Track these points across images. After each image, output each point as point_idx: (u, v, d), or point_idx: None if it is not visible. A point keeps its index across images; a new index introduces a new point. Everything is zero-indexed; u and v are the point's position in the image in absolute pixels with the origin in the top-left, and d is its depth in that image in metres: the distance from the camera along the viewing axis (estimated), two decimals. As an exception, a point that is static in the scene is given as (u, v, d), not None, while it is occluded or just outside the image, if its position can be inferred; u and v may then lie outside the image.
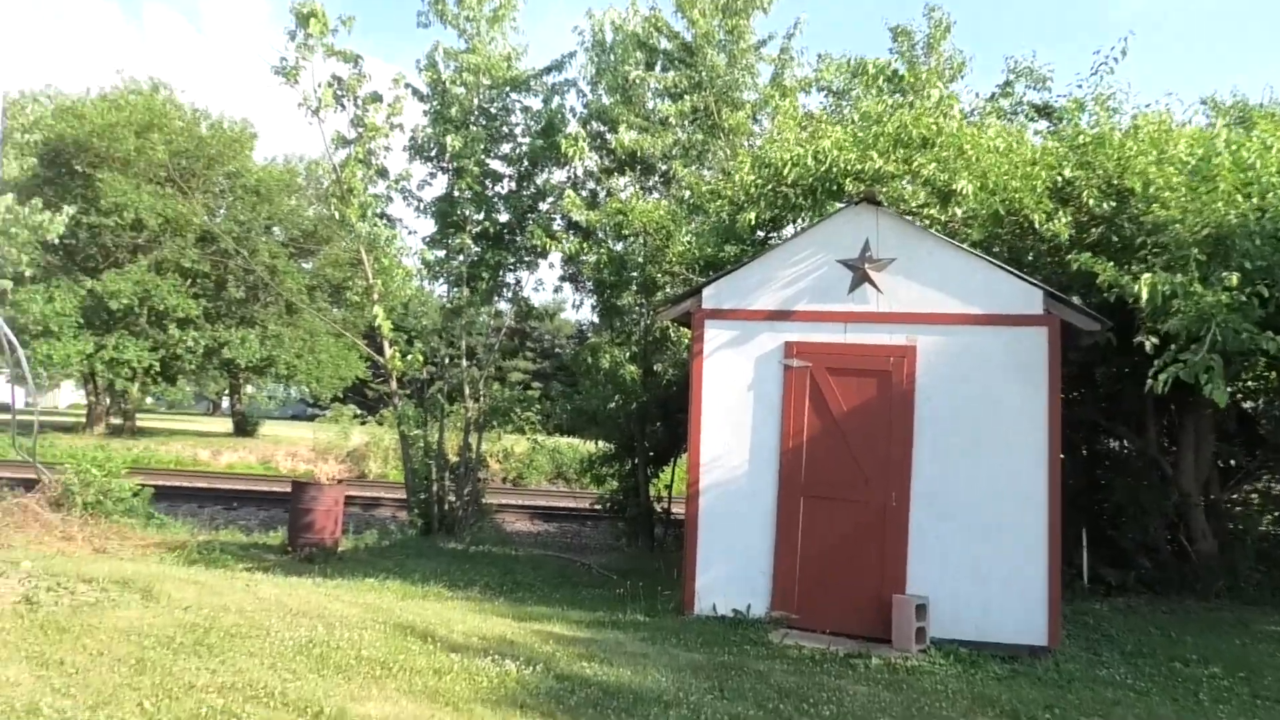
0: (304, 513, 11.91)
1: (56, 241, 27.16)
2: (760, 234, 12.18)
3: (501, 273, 16.64)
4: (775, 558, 8.65)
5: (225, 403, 53.54)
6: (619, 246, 15.19)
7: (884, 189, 9.97)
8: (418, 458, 15.67)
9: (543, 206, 16.70)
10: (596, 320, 17.79)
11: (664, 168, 16.22)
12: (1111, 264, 8.35)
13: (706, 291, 9.15)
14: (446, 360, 16.39)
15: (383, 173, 16.14)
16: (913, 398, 8.48)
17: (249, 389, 51.78)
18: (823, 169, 10.02)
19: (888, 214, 8.81)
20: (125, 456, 31.43)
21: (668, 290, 13.88)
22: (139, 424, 43.72)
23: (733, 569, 8.76)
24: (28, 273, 17.90)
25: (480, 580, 10.29)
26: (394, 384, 15.79)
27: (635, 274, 14.30)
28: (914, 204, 10.39)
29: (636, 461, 15.98)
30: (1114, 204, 9.59)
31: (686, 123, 15.36)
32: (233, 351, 36.10)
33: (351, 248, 16.07)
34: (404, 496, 17.23)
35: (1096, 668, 7.76)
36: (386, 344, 15.57)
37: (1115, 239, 9.48)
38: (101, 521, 13.11)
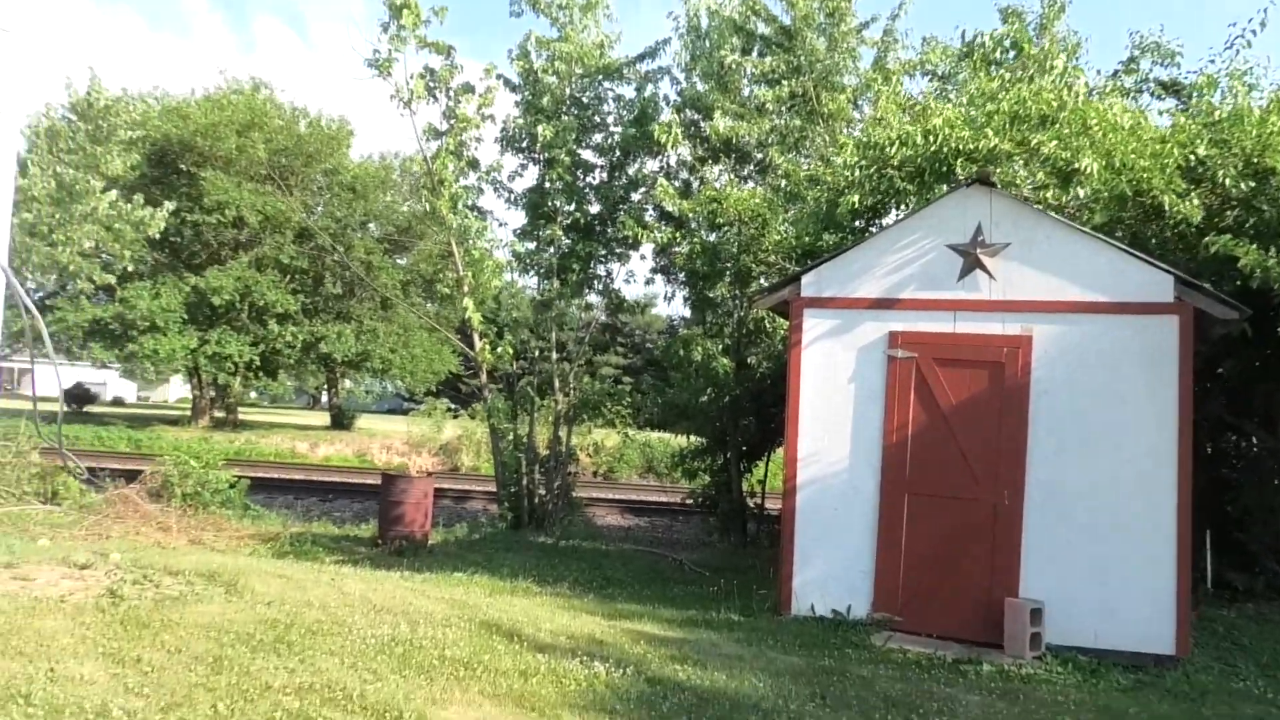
0: (394, 505, 11.88)
1: (158, 238, 27.98)
2: (859, 222, 11.70)
3: (592, 265, 16.46)
4: (877, 557, 8.24)
5: (325, 397, 54.68)
6: (712, 237, 14.84)
7: (998, 170, 9.43)
8: (508, 451, 15.58)
9: (634, 197, 16.46)
10: (688, 313, 17.49)
11: (759, 156, 15.82)
12: (1254, 246, 7.71)
13: (806, 279, 8.78)
14: (537, 353, 16.29)
15: (474, 164, 16.11)
16: (1028, 391, 7.98)
17: (346, 383, 52.96)
18: (932, 148, 9.52)
19: (1002, 196, 8.31)
20: (226, 449, 32.75)
21: (762, 281, 13.49)
22: (241, 417, 45.00)
23: (832, 568, 8.39)
24: (130, 268, 18.38)
25: (569, 576, 10.08)
26: (484, 377, 15.73)
27: (729, 264, 13.94)
28: (1030, 186, 9.82)
29: (729, 456, 15.64)
30: (1252, 184, 8.90)
31: (784, 109, 14.92)
32: (329, 346, 36.86)
33: (442, 240, 16.07)
34: (494, 490, 17.23)
35: (1231, 680, 7.18)
36: (477, 337, 15.52)
37: (1253, 221, 8.79)
38: (199, 512, 13.40)
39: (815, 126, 14.64)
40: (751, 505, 15.79)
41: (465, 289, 15.54)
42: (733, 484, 15.55)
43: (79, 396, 46.42)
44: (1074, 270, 7.92)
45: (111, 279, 17.12)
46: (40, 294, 36.86)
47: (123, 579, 6.43)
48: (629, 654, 6.11)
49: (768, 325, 14.40)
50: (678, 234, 15.01)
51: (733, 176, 15.67)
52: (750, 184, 15.79)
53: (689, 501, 17.60)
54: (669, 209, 14.95)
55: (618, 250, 16.59)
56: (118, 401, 72.48)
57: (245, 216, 35.20)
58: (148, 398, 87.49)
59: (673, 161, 16.47)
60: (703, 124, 15.90)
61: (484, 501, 20.69)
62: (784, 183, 14.08)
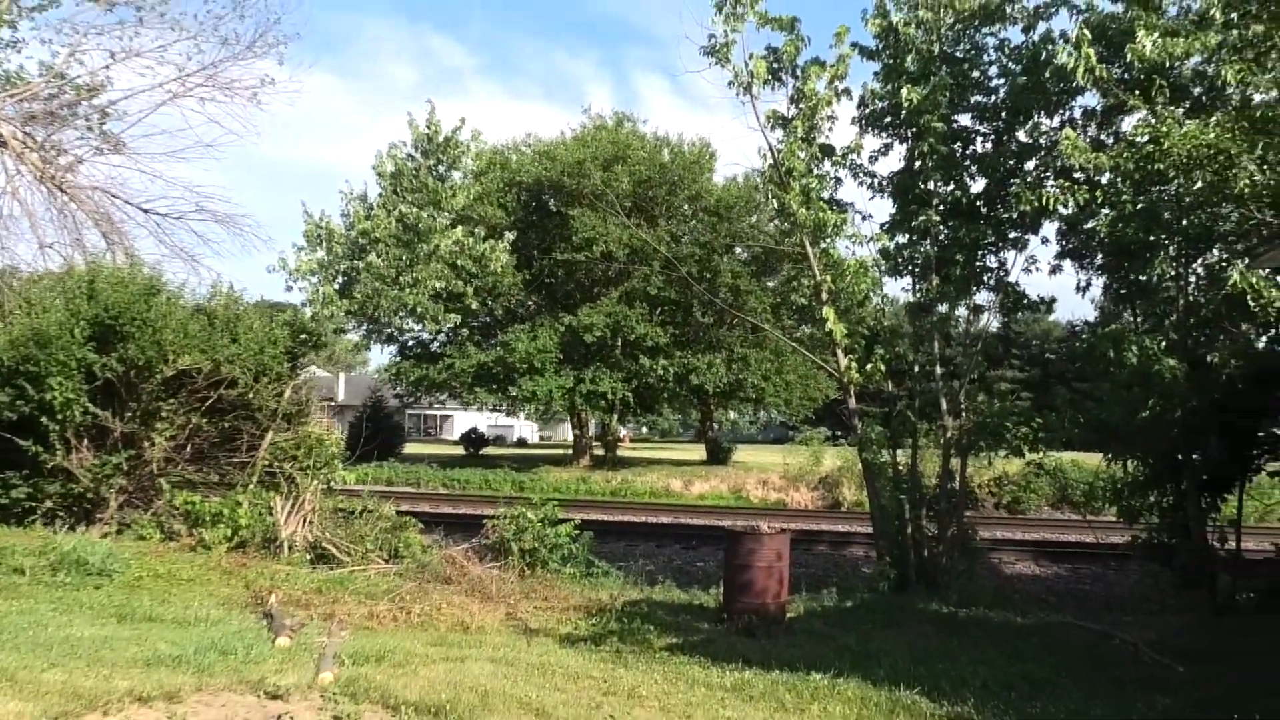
0: (740, 570, 9.79)
1: (530, 279, 28.41)
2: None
3: (979, 255, 13.64)
4: None
5: (714, 427, 54.65)
6: (1140, 200, 11.46)
7: None
8: (885, 491, 13.09)
9: (1028, 165, 13.42)
10: (1110, 304, 14.01)
11: (1197, 90, 12.15)
12: None
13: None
14: (915, 369, 13.67)
15: (827, 150, 14.03)
16: None
17: (732, 415, 52.51)
18: None
19: None
20: (603, 488, 32.88)
21: (1224, 245, 9.97)
22: (623, 453, 45.84)
23: None
24: (473, 304, 18.14)
25: (975, 677, 7.25)
26: (852, 400, 13.42)
27: (1172, 228, 10.53)
28: None
29: (1183, 488, 12.04)
30: None
31: (1235, 16, 11.24)
32: (700, 378, 36.11)
33: (794, 242, 14.01)
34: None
35: None
36: (840, 352, 13.29)
37: None
38: (536, 571, 12.36)
39: (1289, 31, 10.81)
40: (1221, 551, 12.04)
41: (824, 296, 13.43)
42: (1191, 524, 11.93)
43: (474, 440, 49.77)
44: None
45: (455, 319, 16.80)
46: (413, 340, 39.70)
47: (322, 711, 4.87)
48: None
49: (1250, 302, 10.38)
50: (1096, 196, 11.77)
51: (1167, 118, 12.13)
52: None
53: (1123, 540, 14.03)
54: (1079, 168, 11.79)
55: (1010, 234, 13.62)
56: (521, 443, 78.27)
57: (613, 251, 35.46)
58: (549, 437, 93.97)
59: (1077, 114, 13.26)
60: (1114, 68, 12.50)
61: (866, 547, 18.23)
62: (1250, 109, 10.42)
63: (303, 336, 15.05)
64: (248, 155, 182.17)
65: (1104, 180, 12.01)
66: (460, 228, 16.28)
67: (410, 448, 50.82)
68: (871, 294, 13.52)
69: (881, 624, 9.88)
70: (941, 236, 13.61)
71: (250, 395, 14.07)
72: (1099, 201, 11.75)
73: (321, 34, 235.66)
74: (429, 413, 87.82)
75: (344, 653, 6.63)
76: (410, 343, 40.93)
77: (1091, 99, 13.12)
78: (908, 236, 13.82)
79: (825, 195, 13.81)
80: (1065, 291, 55.81)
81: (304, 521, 13.42)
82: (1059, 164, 12.73)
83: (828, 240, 13.48)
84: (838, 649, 8.38)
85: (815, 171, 13.77)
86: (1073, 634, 9.67)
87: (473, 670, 6.34)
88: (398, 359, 40.44)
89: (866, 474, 13.61)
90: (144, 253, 17.29)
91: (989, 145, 13.76)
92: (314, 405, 16.29)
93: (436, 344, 40.16)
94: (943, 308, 13.80)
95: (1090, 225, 12.55)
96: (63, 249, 16.53)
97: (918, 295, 13.85)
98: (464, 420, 64.56)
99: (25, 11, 17.04)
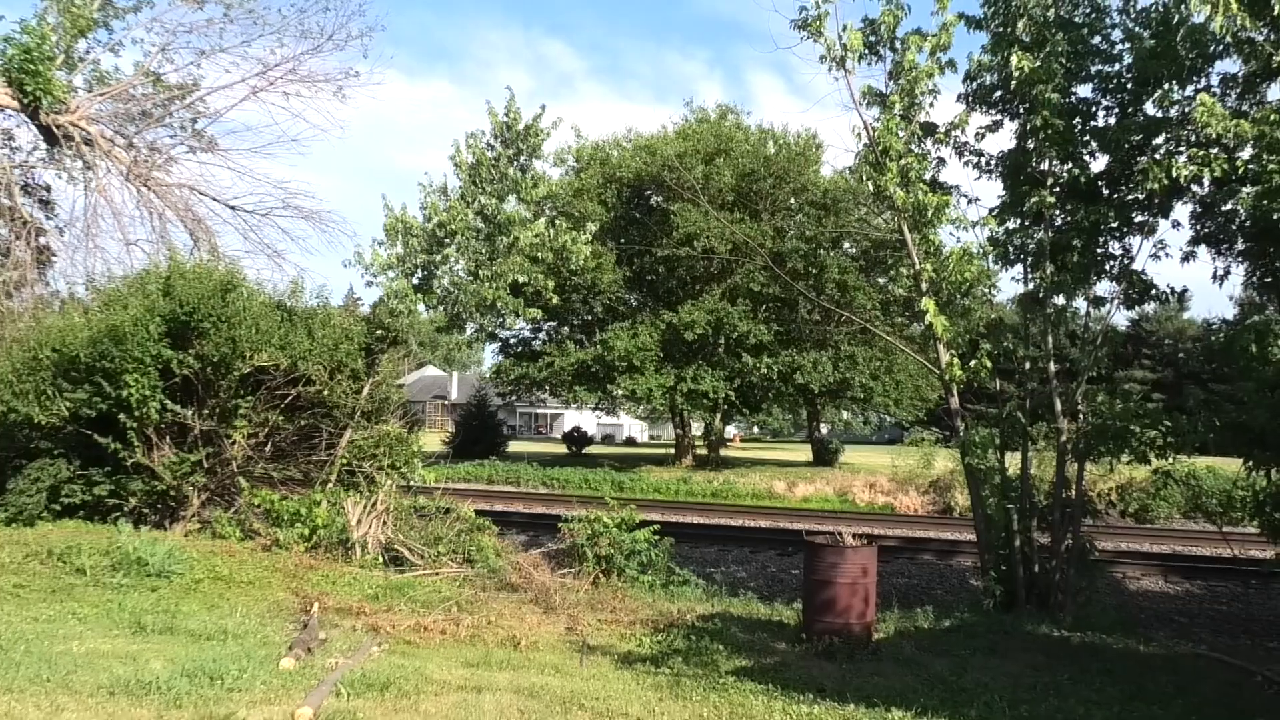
0: (820, 586, 8.85)
1: (631, 277, 27.85)
2: None
3: (1100, 240, 12.34)
4: None
5: (824, 428, 53.16)
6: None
7: None
8: (991, 500, 11.94)
9: (1156, 141, 12.06)
10: (1252, 295, 12.56)
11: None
12: None
13: None
14: (1026, 366, 12.47)
15: (928, 128, 12.97)
16: None
17: (843, 414, 51.08)
18: None
19: None
20: (704, 489, 32.13)
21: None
22: (728, 453, 44.92)
23: None
24: (554, 299, 17.54)
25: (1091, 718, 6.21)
26: (954, 400, 12.30)
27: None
28: None
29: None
30: None
31: None
32: (805, 376, 34.92)
33: (889, 226, 12.96)
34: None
35: None
36: (942, 348, 12.19)
37: None
38: (611, 579, 11.79)
39: None
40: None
41: (924, 286, 12.33)
42: (1349, 544, 10.46)
43: (577, 439, 49.48)
44: None
45: (538, 313, 16.20)
46: (515, 339, 39.54)
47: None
48: None
49: None
50: (1236, 167, 10.41)
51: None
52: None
53: (1269, 557, 12.54)
54: (1215, 139, 10.45)
55: (1136, 217, 12.28)
56: (630, 442, 78.07)
57: (714, 246, 34.59)
58: (659, 437, 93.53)
59: (1214, 82, 11.86)
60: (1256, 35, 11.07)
61: (975, 556, 16.95)
62: None
63: (379, 332, 14.66)
64: (369, 162, 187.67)
65: (1245, 155, 10.65)
66: (542, 219, 15.65)
67: (519, 446, 50.96)
68: (977, 284, 12.38)
69: (982, 649, 8.83)
70: (1057, 220, 12.40)
71: (326, 393, 13.76)
72: (1240, 176, 10.39)
73: (436, 43, 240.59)
74: (540, 411, 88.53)
75: (354, 677, 5.98)
76: (512, 340, 40.89)
77: (1232, 65, 11.73)
78: (1019, 221, 12.62)
79: (926, 177, 12.73)
80: (1200, 287, 52.32)
81: (379, 522, 13.04)
82: (1192, 137, 11.38)
83: (928, 225, 12.40)
84: (928, 680, 7.38)
85: (915, 151, 12.72)
86: (1206, 668, 8.41)
87: (483, 706, 5.59)
88: (499, 357, 40.48)
89: (970, 480, 12.46)
90: (229, 249, 17.26)
91: (1111, 119, 12.45)
92: (395, 403, 15.97)
93: (538, 342, 39.98)
94: (1058, 299, 12.56)
95: (1229, 206, 11.18)
96: (149, 246, 16.58)
97: (1030, 286, 12.63)
98: (574, 420, 64.77)
99: (119, 12, 17.17)
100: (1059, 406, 12.04)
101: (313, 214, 17.54)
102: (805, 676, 7.34)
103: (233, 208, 17.36)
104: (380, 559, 12.29)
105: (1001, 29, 12.44)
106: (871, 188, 12.87)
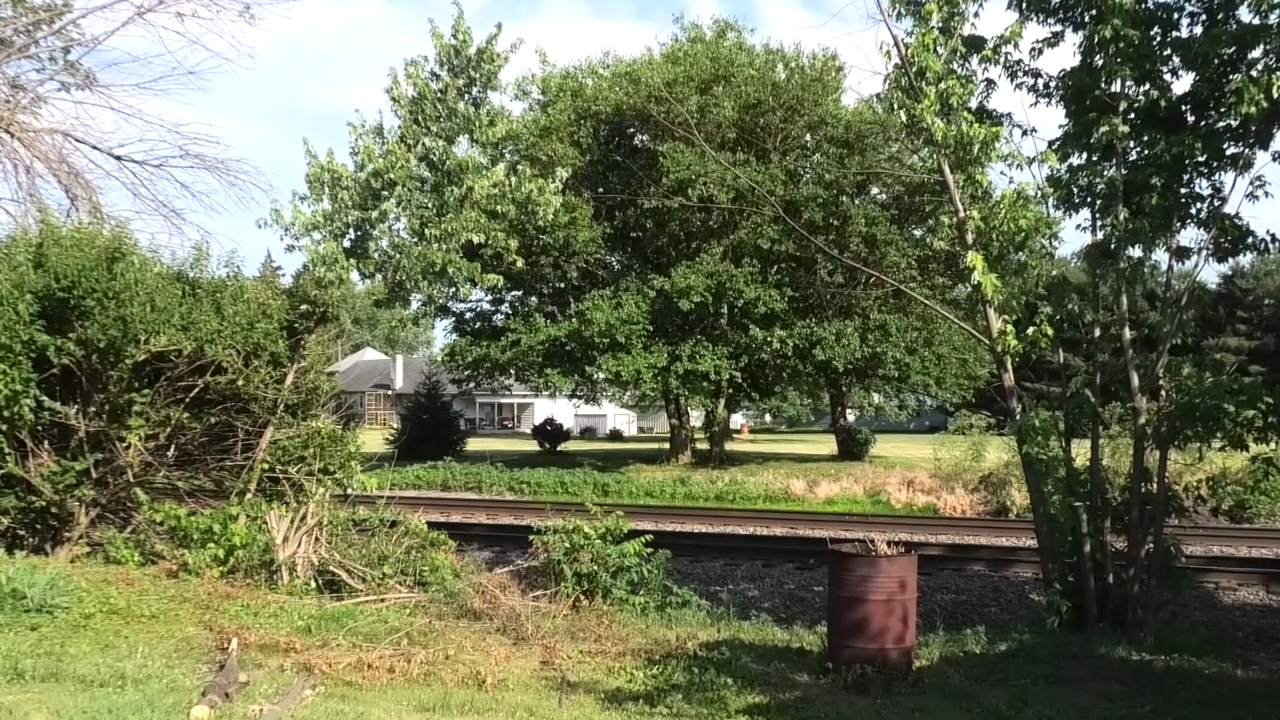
0: (848, 605, 8.96)
1: (613, 234, 27.86)
2: None
3: (1185, 178, 12.46)
4: None
5: (851, 414, 53.35)
6: None
7: None
8: (1056, 495, 12.09)
9: (1254, 54, 12.15)
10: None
11: None
12: None
13: None
14: (1095, 334, 12.59)
15: (973, 43, 12.97)
16: None
17: (875, 397, 51.29)
18: None
19: None
20: (706, 491, 32.35)
21: None
22: (734, 447, 45.11)
23: None
24: (518, 263, 17.59)
25: None
26: (1008, 376, 12.42)
27: None
28: None
29: None
30: None
31: None
32: (827, 351, 34.99)
33: (926, 165, 13.02)
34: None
35: None
36: (992, 313, 12.30)
37: None
38: (594, 600, 12.00)
39: None
40: None
41: (970, 238, 12.42)
42: None
43: (550, 433, 49.52)
44: None
45: (498, 280, 16.21)
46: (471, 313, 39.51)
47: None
48: None
49: None
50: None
51: None
52: None
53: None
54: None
55: (1228, 149, 12.37)
56: (614, 435, 78.31)
57: (714, 195, 34.54)
58: (650, 429, 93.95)
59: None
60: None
61: (1035, 566, 17.17)
62: None
63: (304, 308, 14.65)
64: (287, 100, 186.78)
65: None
66: (501, 165, 15.63)
67: (480, 443, 51.10)
68: (1034, 234, 12.49)
69: (1045, 678, 9.04)
70: (1132, 155, 12.52)
71: (240, 382, 13.75)
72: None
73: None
74: (504, 401, 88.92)
75: (279, 730, 6.03)
76: (468, 315, 40.88)
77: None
78: (1085, 156, 12.76)
79: (971, 103, 12.84)
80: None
81: (310, 539, 13.11)
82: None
83: (974, 163, 12.47)
84: (980, 716, 7.59)
85: (957, 72, 12.76)
86: (1319, 697, 8.57)
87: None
88: (453, 336, 40.43)
89: (1028, 473, 12.65)
90: (115, 209, 17.18)
91: (1198, 28, 12.54)
92: (327, 394, 16.04)
93: (499, 316, 40.03)
94: (1134, 251, 12.68)
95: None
96: (14, 207, 16.51)
97: (1099, 235, 12.74)
98: (546, 410, 64.87)
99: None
100: (1136, 382, 12.19)
101: (218, 164, 17.42)
102: (833, 714, 7.51)
103: (118, 158, 17.26)
104: (313, 584, 12.43)
105: (1060, -80, 12.52)
106: (904, 118, 12.97)
